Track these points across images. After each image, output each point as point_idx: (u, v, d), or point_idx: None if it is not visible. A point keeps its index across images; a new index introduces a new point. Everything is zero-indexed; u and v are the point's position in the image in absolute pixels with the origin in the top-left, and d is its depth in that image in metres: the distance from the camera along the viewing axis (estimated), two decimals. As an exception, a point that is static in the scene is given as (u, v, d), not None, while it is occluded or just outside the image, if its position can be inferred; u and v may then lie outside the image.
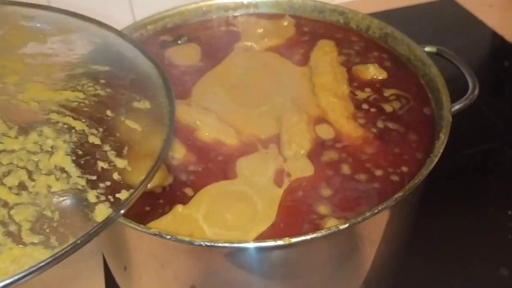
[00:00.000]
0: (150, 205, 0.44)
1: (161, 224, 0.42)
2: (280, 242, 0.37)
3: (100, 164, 0.37)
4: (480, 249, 0.61)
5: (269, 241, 0.37)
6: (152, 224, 0.42)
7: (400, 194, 0.40)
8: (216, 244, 0.37)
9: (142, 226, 0.39)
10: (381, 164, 0.46)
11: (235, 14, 0.65)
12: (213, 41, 0.62)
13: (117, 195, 0.35)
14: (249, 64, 0.59)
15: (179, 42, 0.61)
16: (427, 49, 0.59)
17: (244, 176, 0.46)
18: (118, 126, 0.40)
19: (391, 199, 0.39)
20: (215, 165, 0.47)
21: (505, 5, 1.09)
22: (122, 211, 0.35)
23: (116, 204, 0.35)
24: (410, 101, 0.53)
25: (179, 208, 0.43)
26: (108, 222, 0.34)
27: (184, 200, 0.44)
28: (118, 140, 0.39)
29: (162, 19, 0.63)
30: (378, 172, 0.46)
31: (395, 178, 0.45)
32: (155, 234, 0.38)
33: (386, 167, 0.46)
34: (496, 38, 0.98)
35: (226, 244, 0.37)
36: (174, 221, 0.42)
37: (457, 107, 0.51)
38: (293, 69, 0.58)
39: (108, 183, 0.36)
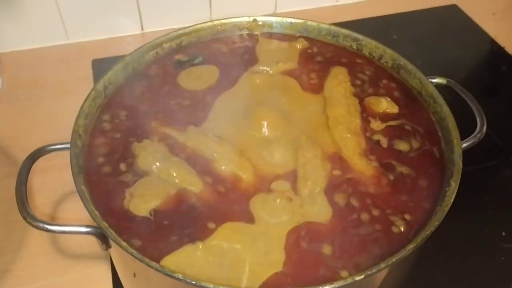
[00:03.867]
0: (177, 235, 0.45)
1: (180, 257, 0.44)
2: (298, 292, 0.39)
3: None
4: (472, 269, 0.62)
5: (288, 290, 0.39)
6: (172, 256, 0.43)
7: (413, 246, 0.42)
8: (238, 292, 0.39)
9: (167, 270, 0.40)
10: (390, 207, 0.48)
11: (250, 33, 0.66)
12: (227, 62, 0.63)
13: None
14: (264, 90, 0.59)
15: (195, 62, 0.61)
16: (437, 80, 0.60)
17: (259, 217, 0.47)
18: None
19: (404, 249, 0.41)
20: (232, 200, 0.48)
21: (508, 14, 1.10)
22: None
23: None
24: (420, 138, 0.54)
25: (199, 245, 0.44)
26: None
27: (204, 233, 0.45)
28: None
29: (178, 37, 0.63)
30: (390, 216, 0.47)
31: (402, 223, 0.47)
32: (179, 279, 0.39)
33: (396, 210, 0.48)
34: (495, 46, 1.00)
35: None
36: (194, 257, 0.44)
37: (464, 145, 0.53)
38: (307, 97, 0.59)
39: None
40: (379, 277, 0.43)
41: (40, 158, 0.64)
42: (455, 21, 1.07)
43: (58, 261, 0.63)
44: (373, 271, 0.40)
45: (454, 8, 1.09)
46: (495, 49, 1.00)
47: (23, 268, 0.63)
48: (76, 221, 0.64)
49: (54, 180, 0.70)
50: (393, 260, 0.41)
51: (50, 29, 0.93)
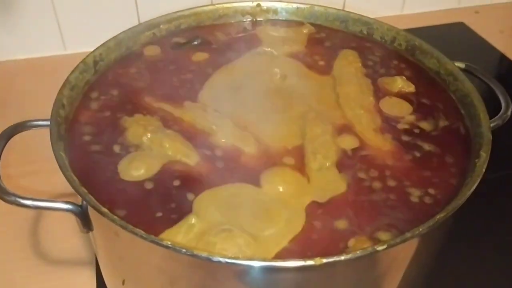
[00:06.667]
0: (162, 211, 0.39)
1: (171, 235, 0.37)
2: (310, 262, 0.32)
3: None
4: (493, 277, 0.57)
5: (297, 260, 0.33)
6: (164, 234, 0.37)
7: (441, 215, 0.36)
8: (237, 262, 0.33)
9: (153, 237, 0.34)
10: (412, 181, 0.43)
11: (253, 19, 0.62)
12: (228, 45, 0.59)
13: None
14: (267, 68, 0.55)
15: (195, 43, 0.57)
16: (455, 64, 0.56)
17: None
18: None
19: (432, 219, 0.35)
20: (231, 174, 0.43)
21: (516, 32, 1.08)
22: None
23: None
24: (441, 116, 0.49)
25: (191, 218, 0.38)
26: None
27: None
28: None
29: (177, 19, 0.59)
30: (412, 191, 0.42)
31: (428, 197, 0.42)
32: (168, 247, 0.33)
33: (418, 184, 0.42)
34: (504, 62, 0.97)
35: (248, 262, 0.33)
36: (187, 232, 0.37)
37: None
38: (314, 76, 0.55)
39: None
40: (404, 252, 0.37)
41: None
42: (463, 37, 1.05)
43: (38, 267, 0.58)
44: (397, 240, 0.34)
45: (461, 25, 1.07)
46: (505, 64, 0.97)
47: (1, 273, 0.57)
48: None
49: (44, 185, 0.65)
50: (420, 229, 0.35)
51: (48, 39, 0.90)
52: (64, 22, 0.89)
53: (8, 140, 0.46)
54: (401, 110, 0.50)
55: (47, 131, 0.45)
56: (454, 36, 1.05)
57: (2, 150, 0.44)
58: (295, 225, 0.38)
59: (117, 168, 0.43)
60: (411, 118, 0.49)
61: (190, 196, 0.40)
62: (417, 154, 0.45)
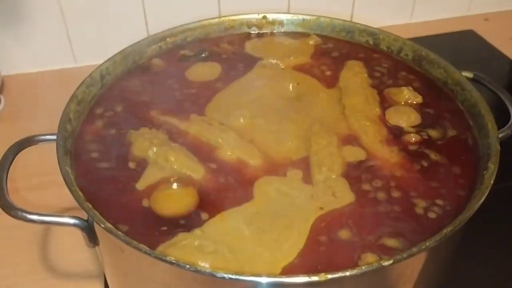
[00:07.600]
0: (166, 225, 0.39)
1: (176, 248, 0.37)
2: (314, 278, 0.32)
3: None
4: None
5: (302, 276, 0.32)
6: (166, 245, 0.37)
7: (449, 229, 0.35)
8: (241, 277, 0.32)
9: (157, 252, 0.34)
10: (419, 192, 0.42)
11: (259, 31, 0.62)
12: (234, 58, 0.59)
13: None
14: (273, 80, 0.55)
15: (202, 55, 0.57)
16: (463, 73, 0.56)
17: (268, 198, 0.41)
18: None
19: (439, 234, 0.35)
20: (237, 187, 0.43)
21: (526, 40, 1.07)
22: None
23: None
24: (448, 126, 0.49)
25: (197, 232, 0.38)
26: None
27: (201, 223, 0.39)
28: None
29: (182, 32, 0.59)
30: (418, 202, 0.41)
31: (434, 210, 0.41)
32: (171, 263, 0.33)
33: (426, 195, 0.42)
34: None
35: (252, 278, 0.33)
36: (191, 247, 0.37)
37: (499, 136, 0.47)
38: (320, 87, 0.54)
39: None
40: (411, 266, 0.36)
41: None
42: (473, 45, 1.04)
43: (47, 280, 0.58)
44: (404, 255, 0.33)
45: (471, 33, 1.06)
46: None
47: (9, 286, 0.56)
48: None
49: (52, 199, 0.65)
50: (427, 244, 0.34)
51: (58, 53, 0.91)
52: (75, 35, 0.89)
53: (16, 155, 0.46)
54: (408, 121, 0.49)
55: (54, 145, 0.45)
56: (463, 44, 1.04)
57: (10, 166, 0.44)
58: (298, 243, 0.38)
59: (124, 182, 0.43)
60: (419, 129, 0.49)
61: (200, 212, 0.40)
62: (425, 165, 0.45)
